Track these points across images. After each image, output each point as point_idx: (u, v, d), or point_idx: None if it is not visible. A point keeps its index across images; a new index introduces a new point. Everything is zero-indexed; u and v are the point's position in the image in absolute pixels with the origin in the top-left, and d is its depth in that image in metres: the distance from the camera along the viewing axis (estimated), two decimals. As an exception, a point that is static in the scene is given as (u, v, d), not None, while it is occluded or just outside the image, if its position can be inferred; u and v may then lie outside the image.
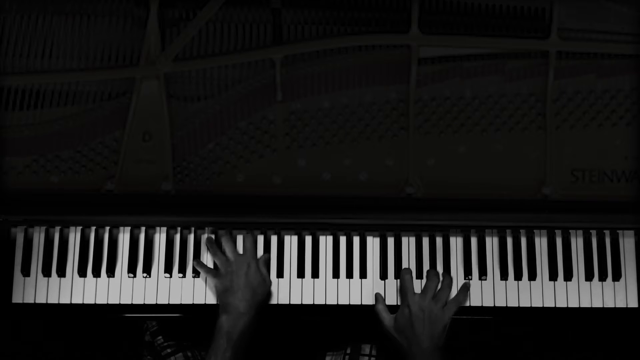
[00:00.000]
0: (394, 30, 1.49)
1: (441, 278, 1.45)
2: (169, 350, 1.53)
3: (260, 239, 1.51)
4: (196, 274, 1.50)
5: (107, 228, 1.51)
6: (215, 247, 1.48)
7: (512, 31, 1.50)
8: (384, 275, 1.50)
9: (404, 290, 1.44)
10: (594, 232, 1.52)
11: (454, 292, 1.46)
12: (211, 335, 1.45)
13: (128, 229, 1.51)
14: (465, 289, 1.46)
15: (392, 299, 1.50)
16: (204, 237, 1.51)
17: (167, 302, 1.49)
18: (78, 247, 1.50)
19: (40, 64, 1.48)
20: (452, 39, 1.49)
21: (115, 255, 1.50)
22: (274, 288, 1.49)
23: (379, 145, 1.49)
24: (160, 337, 1.55)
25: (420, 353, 1.35)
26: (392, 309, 1.48)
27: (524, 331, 2.02)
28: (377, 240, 1.52)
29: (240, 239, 1.51)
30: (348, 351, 1.53)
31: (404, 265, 1.50)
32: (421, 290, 1.43)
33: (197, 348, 1.53)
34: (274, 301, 1.49)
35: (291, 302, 1.49)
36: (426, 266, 1.50)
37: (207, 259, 1.51)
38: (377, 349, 1.54)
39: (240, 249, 1.48)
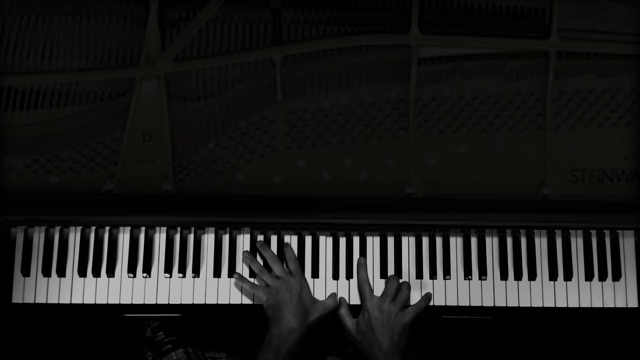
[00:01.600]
0: (394, 30, 1.49)
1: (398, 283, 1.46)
2: (169, 346, 1.53)
3: (260, 239, 1.51)
4: (196, 273, 1.50)
5: (107, 228, 1.51)
6: (260, 264, 1.48)
7: (512, 31, 1.50)
8: (383, 275, 1.50)
9: (362, 294, 1.45)
10: (594, 232, 1.52)
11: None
12: (212, 333, 1.45)
13: (128, 229, 1.51)
14: (427, 297, 1.47)
15: (392, 299, 1.49)
16: (204, 237, 1.51)
17: (167, 302, 1.49)
18: (78, 247, 1.50)
19: (40, 64, 1.48)
20: (452, 39, 1.49)
21: (115, 255, 1.50)
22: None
23: (379, 145, 1.49)
24: (161, 332, 1.55)
25: (381, 355, 1.37)
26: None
27: (524, 331, 2.02)
28: (377, 240, 1.52)
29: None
30: (350, 349, 1.53)
31: (404, 265, 1.50)
32: (381, 293, 1.44)
33: (198, 344, 1.53)
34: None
35: (291, 302, 1.49)
36: (426, 266, 1.51)
37: (207, 258, 1.51)
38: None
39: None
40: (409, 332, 1.41)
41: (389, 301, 1.42)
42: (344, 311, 1.46)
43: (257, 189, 1.49)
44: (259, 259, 1.50)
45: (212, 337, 1.57)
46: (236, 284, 1.49)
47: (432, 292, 1.49)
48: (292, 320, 1.39)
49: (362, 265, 1.48)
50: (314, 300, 1.45)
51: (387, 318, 1.40)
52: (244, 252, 1.50)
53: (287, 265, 1.48)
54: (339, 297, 1.48)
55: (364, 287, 1.45)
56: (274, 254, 1.49)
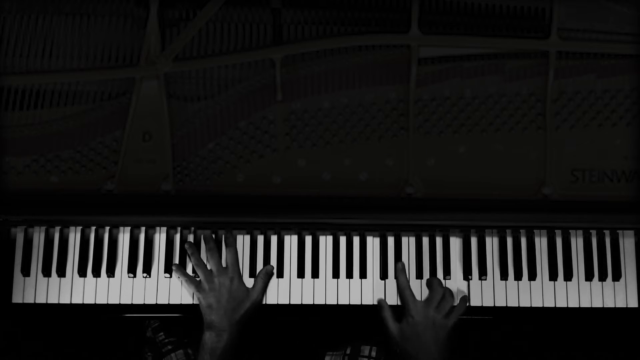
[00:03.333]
0: (394, 30, 1.49)
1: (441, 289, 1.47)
2: (169, 347, 1.53)
3: (261, 239, 1.51)
4: (196, 274, 1.50)
5: (107, 228, 1.51)
6: (198, 255, 1.48)
7: (512, 31, 1.50)
8: (384, 275, 1.50)
9: (404, 298, 1.45)
10: (594, 232, 1.52)
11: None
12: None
13: (128, 229, 1.51)
14: (464, 300, 1.48)
15: (392, 299, 1.50)
16: (204, 237, 1.51)
17: (167, 302, 1.49)
18: (78, 247, 1.50)
19: (40, 64, 1.48)
20: (452, 39, 1.49)
21: (115, 255, 1.50)
22: (273, 288, 1.49)
23: (379, 145, 1.49)
24: (161, 333, 1.55)
25: None
26: (393, 309, 1.48)
27: (524, 331, 2.02)
28: (377, 240, 1.52)
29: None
30: (348, 352, 1.53)
31: (405, 265, 1.50)
32: (425, 299, 1.45)
33: (198, 346, 1.53)
34: (273, 301, 1.49)
35: (291, 302, 1.49)
36: (426, 266, 1.51)
37: (206, 258, 1.51)
38: (376, 350, 1.54)
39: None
40: (452, 336, 1.42)
41: (434, 307, 1.43)
42: (387, 314, 1.45)
43: (257, 189, 1.49)
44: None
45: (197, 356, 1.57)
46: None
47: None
48: (221, 321, 1.40)
49: (402, 270, 1.48)
50: (247, 292, 1.45)
51: (432, 324, 1.41)
52: (187, 242, 1.49)
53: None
54: (378, 298, 1.48)
55: (405, 292, 1.45)
56: (213, 246, 1.47)
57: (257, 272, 1.48)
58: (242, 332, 1.42)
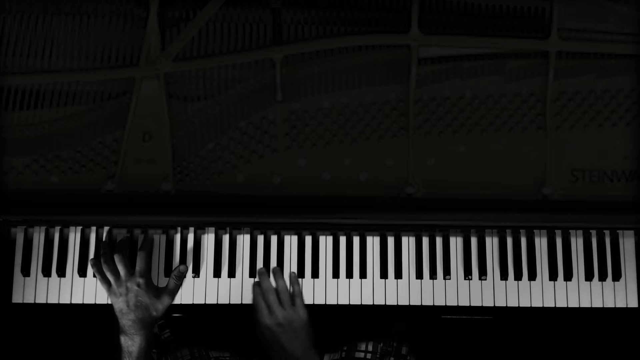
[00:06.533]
0: (394, 30, 1.49)
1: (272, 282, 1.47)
2: (175, 345, 1.53)
3: (261, 239, 1.52)
4: (196, 273, 1.50)
5: (107, 228, 1.51)
6: (110, 257, 1.44)
7: (512, 31, 1.50)
8: (384, 275, 1.50)
9: (256, 308, 1.44)
10: (594, 232, 1.52)
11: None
12: (216, 333, 1.45)
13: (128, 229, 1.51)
14: (294, 278, 1.47)
15: (392, 299, 1.50)
16: (204, 237, 1.51)
17: (167, 302, 1.49)
18: (78, 247, 1.50)
19: (40, 64, 1.48)
20: (452, 39, 1.49)
21: (115, 255, 1.50)
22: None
23: (379, 145, 1.49)
24: (167, 330, 1.55)
25: None
26: (391, 309, 1.48)
27: (524, 331, 2.02)
28: (377, 240, 1.52)
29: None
30: (344, 348, 1.53)
31: (404, 265, 1.50)
32: (267, 307, 1.43)
33: (203, 345, 1.53)
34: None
35: (291, 302, 1.49)
36: (426, 266, 1.51)
37: (207, 258, 1.51)
38: (372, 344, 1.54)
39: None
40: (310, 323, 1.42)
41: (279, 309, 1.42)
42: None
43: (257, 189, 1.49)
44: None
45: (217, 336, 1.57)
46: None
47: (432, 292, 1.50)
48: (132, 325, 1.38)
49: (261, 274, 1.47)
50: (156, 297, 1.41)
51: (289, 325, 1.40)
52: (102, 242, 1.47)
53: None
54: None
55: (257, 301, 1.44)
56: (119, 253, 1.43)
57: (172, 270, 1.47)
58: (155, 334, 1.41)
